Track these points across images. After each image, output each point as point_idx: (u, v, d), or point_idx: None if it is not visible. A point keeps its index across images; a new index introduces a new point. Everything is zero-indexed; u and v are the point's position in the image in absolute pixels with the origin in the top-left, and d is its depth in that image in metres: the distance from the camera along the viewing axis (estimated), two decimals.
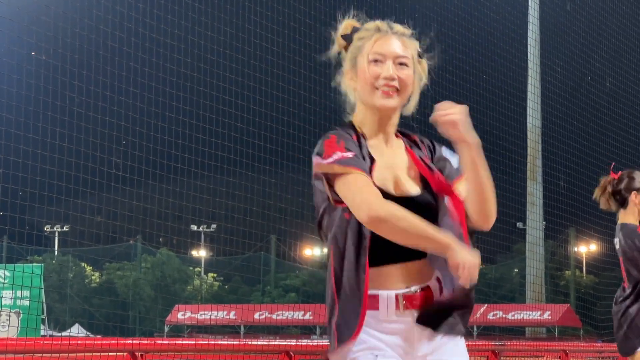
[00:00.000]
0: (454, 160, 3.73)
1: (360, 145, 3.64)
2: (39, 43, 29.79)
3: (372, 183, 3.53)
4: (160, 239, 62.99)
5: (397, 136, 3.78)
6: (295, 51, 35.16)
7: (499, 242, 51.41)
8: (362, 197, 3.48)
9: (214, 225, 63.07)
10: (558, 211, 48.77)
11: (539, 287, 50.64)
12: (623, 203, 7.38)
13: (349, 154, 3.54)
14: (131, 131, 30.60)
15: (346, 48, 3.77)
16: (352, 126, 3.74)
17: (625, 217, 7.37)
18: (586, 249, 61.23)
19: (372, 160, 3.63)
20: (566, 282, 61.01)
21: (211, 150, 30.30)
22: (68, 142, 25.95)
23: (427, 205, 3.64)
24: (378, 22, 3.74)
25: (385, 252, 3.57)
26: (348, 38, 3.75)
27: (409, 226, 3.45)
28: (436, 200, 3.67)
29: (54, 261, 64.46)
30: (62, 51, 28.55)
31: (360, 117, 3.74)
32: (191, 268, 66.61)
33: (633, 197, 7.34)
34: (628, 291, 7.30)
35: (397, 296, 3.58)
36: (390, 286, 3.59)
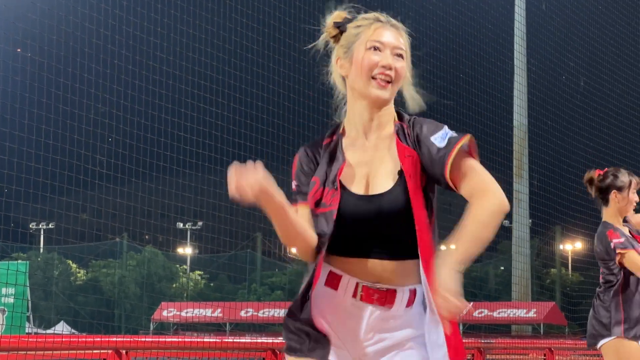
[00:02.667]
0: (440, 143, 3.61)
1: (331, 149, 3.69)
2: (25, 40, 29.72)
3: (306, 210, 3.67)
4: (146, 237, 62.94)
5: (396, 122, 3.72)
6: (276, 50, 35.23)
7: (483, 243, 51.57)
8: None
9: (200, 223, 63.04)
10: (544, 209, 48.92)
11: (524, 285, 50.77)
12: (605, 201, 7.43)
13: (293, 186, 3.74)
14: (115, 129, 30.60)
15: (336, 38, 3.74)
16: (334, 128, 3.76)
17: (607, 215, 7.42)
18: (572, 247, 61.41)
19: (343, 159, 3.65)
20: (552, 280, 61.18)
21: (196, 148, 30.30)
22: (53, 140, 25.90)
23: (394, 203, 3.57)
24: (377, 14, 3.73)
25: (347, 246, 3.59)
26: (341, 26, 3.72)
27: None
28: (407, 195, 3.58)
29: (39, 259, 64.31)
30: (47, 48, 28.52)
31: (349, 110, 3.73)
32: (177, 266, 66.56)
33: (613, 196, 7.38)
34: (601, 285, 7.42)
35: (357, 284, 3.57)
36: (356, 275, 3.59)
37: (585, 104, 52.15)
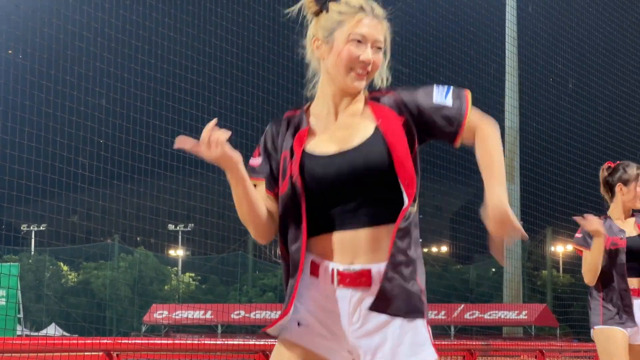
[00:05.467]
0: (446, 101, 3.67)
1: (295, 122, 3.72)
2: (8, 42, 29.70)
3: (261, 188, 3.72)
4: (138, 239, 62.84)
5: (366, 103, 3.74)
6: (255, 52, 35.29)
7: (476, 242, 51.54)
8: None
9: (191, 225, 62.99)
10: (535, 211, 48.98)
11: (516, 286, 50.83)
12: (612, 193, 7.43)
13: (254, 162, 3.76)
14: (104, 134, 30.56)
15: (315, 13, 3.74)
16: (298, 106, 3.81)
17: (612, 208, 7.43)
18: (563, 248, 61.48)
19: (306, 125, 3.70)
20: (543, 281, 61.23)
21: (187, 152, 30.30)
22: (44, 144, 25.89)
23: (364, 159, 3.56)
24: (361, 0, 3.71)
25: (321, 218, 3.60)
26: (321, 3, 3.72)
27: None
28: (386, 147, 3.57)
29: (30, 261, 64.16)
30: (30, 50, 28.50)
31: (321, 88, 3.75)
32: (168, 268, 66.48)
33: (618, 189, 7.37)
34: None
35: (333, 270, 3.59)
36: (332, 258, 3.60)
37: (575, 105, 52.25)
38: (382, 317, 3.56)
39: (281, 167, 3.67)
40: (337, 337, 3.63)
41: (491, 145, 3.66)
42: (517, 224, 3.48)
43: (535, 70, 53.82)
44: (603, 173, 7.49)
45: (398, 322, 3.55)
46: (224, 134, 3.50)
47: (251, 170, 3.73)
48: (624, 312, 7.31)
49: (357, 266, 3.57)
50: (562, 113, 52.18)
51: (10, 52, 32.07)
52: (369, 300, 3.56)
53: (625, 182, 7.37)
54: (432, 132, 3.67)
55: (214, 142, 3.50)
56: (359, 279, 3.57)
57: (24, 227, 65.57)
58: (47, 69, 27.52)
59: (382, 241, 3.57)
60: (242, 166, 3.56)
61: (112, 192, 35.02)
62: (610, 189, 7.45)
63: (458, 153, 46.54)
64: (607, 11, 53.65)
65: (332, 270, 3.58)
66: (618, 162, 7.53)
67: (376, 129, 3.61)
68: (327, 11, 3.70)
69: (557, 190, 47.52)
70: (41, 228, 65.30)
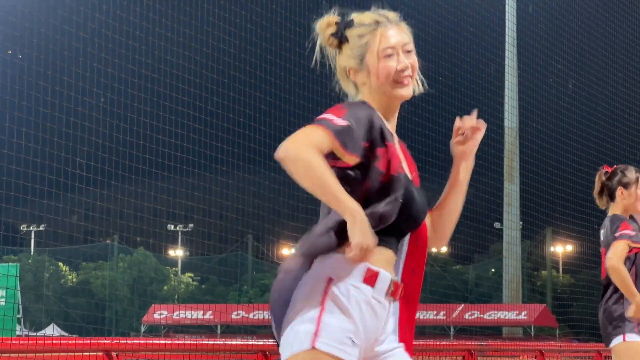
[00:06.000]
0: None
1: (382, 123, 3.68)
2: (6, 43, 29.69)
3: (328, 145, 3.48)
4: (137, 239, 62.84)
5: None
6: (252, 53, 35.30)
7: (476, 242, 51.54)
8: (301, 138, 3.47)
9: (191, 225, 63.00)
10: (535, 212, 48.99)
11: (515, 287, 50.83)
12: (612, 197, 7.39)
13: (339, 122, 3.52)
14: (102, 135, 30.56)
15: (338, 46, 3.75)
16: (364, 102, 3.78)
17: (613, 211, 7.38)
18: (562, 249, 61.48)
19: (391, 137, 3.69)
20: (543, 282, 61.26)
21: (186, 154, 30.30)
22: (42, 144, 25.87)
23: (425, 198, 3.73)
24: (372, 15, 3.74)
25: (395, 230, 3.64)
26: (339, 36, 3.73)
27: (317, 178, 3.41)
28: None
29: (29, 261, 64.17)
30: (27, 51, 28.49)
31: (371, 102, 3.75)
32: (168, 268, 66.48)
33: (619, 192, 7.34)
34: (604, 283, 7.32)
35: (391, 281, 3.63)
36: (387, 269, 3.64)
37: (575, 106, 52.26)
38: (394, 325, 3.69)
39: (384, 160, 3.61)
40: (365, 346, 3.61)
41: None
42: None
43: (535, 71, 53.83)
44: (601, 178, 7.46)
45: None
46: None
47: (337, 129, 3.52)
48: None
49: (397, 279, 3.67)
50: (562, 113, 52.19)
51: (9, 52, 32.06)
52: (396, 308, 3.67)
53: (626, 186, 7.35)
54: None
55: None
56: (400, 291, 3.66)
57: (23, 228, 65.58)
58: (45, 69, 27.53)
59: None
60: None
61: (112, 193, 35.06)
62: (610, 193, 7.42)
63: None
64: (607, 12, 53.67)
65: (391, 280, 3.61)
66: (615, 166, 7.52)
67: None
68: (348, 41, 3.72)
69: (556, 191, 47.52)
70: (40, 228, 65.30)
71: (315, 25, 3.77)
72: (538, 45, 52.57)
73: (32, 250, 66.12)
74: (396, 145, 3.69)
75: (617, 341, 7.23)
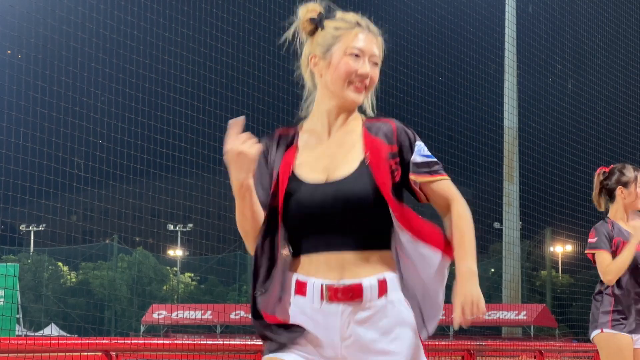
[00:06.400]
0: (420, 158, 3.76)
1: (288, 141, 3.74)
2: (3, 43, 29.66)
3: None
4: (137, 239, 62.86)
5: (364, 120, 3.80)
6: (250, 53, 35.29)
7: (475, 242, 51.54)
8: None
9: (190, 225, 62.98)
10: (534, 212, 48.97)
11: (515, 287, 50.82)
12: (611, 197, 7.38)
13: None
14: (100, 134, 30.54)
15: (311, 32, 3.78)
16: (293, 124, 3.82)
17: (612, 211, 7.37)
18: (562, 249, 61.48)
19: (296, 148, 3.71)
20: (542, 282, 61.26)
21: (184, 154, 30.29)
22: (40, 144, 25.84)
23: (354, 187, 3.61)
24: (356, 16, 3.77)
25: (308, 240, 3.63)
26: (317, 22, 3.76)
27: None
28: (372, 180, 3.62)
29: (29, 261, 64.16)
30: (25, 51, 28.46)
31: (316, 105, 3.78)
32: (167, 268, 66.47)
33: (619, 191, 7.33)
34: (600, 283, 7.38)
35: (322, 285, 3.60)
36: (319, 275, 3.61)
37: (574, 106, 52.24)
38: (380, 326, 3.61)
39: (273, 184, 3.68)
40: (327, 352, 3.63)
41: (466, 225, 3.71)
42: (483, 307, 3.59)
43: (535, 71, 53.84)
44: (599, 178, 7.45)
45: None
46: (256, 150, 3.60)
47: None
48: (638, 317, 7.26)
49: (348, 281, 3.59)
50: (561, 113, 52.17)
51: (9, 52, 32.05)
52: (362, 314, 3.59)
53: (625, 185, 7.34)
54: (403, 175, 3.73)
55: (246, 148, 3.58)
56: (352, 293, 3.59)
57: (23, 228, 65.59)
58: (42, 69, 27.49)
59: (372, 260, 3.63)
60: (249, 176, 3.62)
61: (111, 193, 35.03)
62: (609, 193, 7.42)
63: (457, 153, 46.51)
64: (607, 12, 53.66)
65: (322, 286, 3.59)
66: (612, 165, 7.51)
67: (362, 162, 3.65)
68: (323, 28, 3.75)
69: (556, 191, 47.51)
70: (40, 228, 65.31)
71: (298, 9, 3.81)
72: (538, 45, 52.56)
73: (32, 250, 66.12)
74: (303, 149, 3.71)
75: (595, 333, 7.36)
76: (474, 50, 50.12)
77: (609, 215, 7.40)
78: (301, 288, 3.63)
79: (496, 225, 52.66)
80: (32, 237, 66.59)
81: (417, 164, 3.70)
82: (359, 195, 3.60)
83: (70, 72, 29.01)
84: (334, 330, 3.60)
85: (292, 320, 3.62)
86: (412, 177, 3.70)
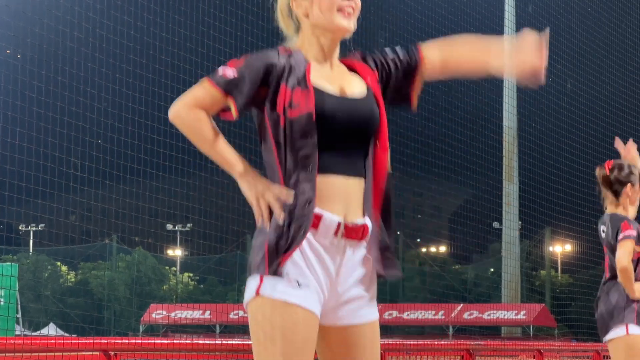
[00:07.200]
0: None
1: (289, 57, 3.70)
2: (0, 42, 29.59)
3: (215, 98, 3.64)
4: (136, 239, 62.84)
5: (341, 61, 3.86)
6: (248, 53, 35.29)
7: (475, 242, 51.57)
8: (185, 94, 3.67)
9: (189, 225, 62.97)
10: (534, 211, 48.98)
11: (514, 286, 50.82)
12: (617, 193, 7.31)
13: (229, 73, 3.65)
14: (100, 135, 30.53)
15: None
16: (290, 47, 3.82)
17: (616, 208, 7.30)
18: (561, 248, 61.47)
19: (307, 60, 3.71)
20: (541, 282, 61.25)
21: (182, 154, 30.28)
22: (36, 144, 25.85)
23: (371, 109, 3.70)
24: None
25: (326, 156, 3.64)
26: None
27: (195, 133, 3.63)
28: (379, 109, 3.73)
29: (28, 261, 64.15)
30: (22, 50, 28.45)
31: (304, 45, 3.80)
32: (167, 268, 66.47)
33: (628, 189, 7.28)
34: (607, 278, 7.25)
35: (339, 224, 3.63)
36: (334, 211, 3.65)
37: (573, 106, 52.25)
38: (364, 271, 3.70)
39: (284, 96, 3.63)
40: (325, 290, 3.65)
41: (466, 35, 3.86)
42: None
43: None
44: (614, 172, 7.37)
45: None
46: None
47: (224, 82, 3.66)
48: None
49: (358, 220, 3.66)
50: (561, 113, 52.19)
51: (8, 52, 32.03)
52: (358, 253, 3.67)
53: (634, 183, 7.31)
54: (396, 77, 3.83)
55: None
56: (361, 233, 3.66)
57: (22, 228, 65.57)
58: (39, 69, 27.48)
59: (362, 195, 3.70)
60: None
61: (110, 193, 35.06)
62: (616, 188, 7.34)
63: (457, 153, 46.51)
64: (606, 12, 53.68)
65: (339, 224, 3.62)
66: (619, 161, 7.46)
67: (368, 88, 3.75)
68: None
69: (555, 191, 47.52)
70: (39, 228, 65.30)
71: None
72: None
73: (31, 250, 66.11)
74: (316, 80, 3.68)
75: (618, 333, 7.13)
76: None
77: (610, 211, 7.32)
78: (316, 221, 3.63)
79: (495, 225, 52.65)
80: (31, 237, 66.60)
81: (393, 50, 3.86)
82: (376, 115, 3.70)
83: (67, 72, 29.02)
84: (338, 270, 3.65)
85: (298, 260, 3.60)
86: (401, 54, 3.83)
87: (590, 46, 53.30)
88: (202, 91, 3.64)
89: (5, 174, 24.24)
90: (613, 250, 7.14)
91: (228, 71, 3.64)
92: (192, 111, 3.62)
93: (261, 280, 3.60)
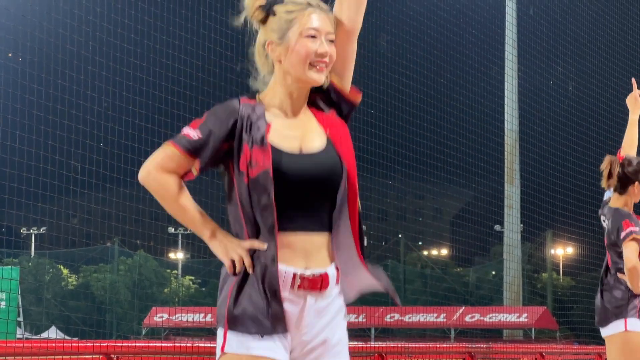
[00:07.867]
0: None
1: (253, 110, 3.70)
2: None
3: (181, 161, 3.70)
4: (137, 242, 62.84)
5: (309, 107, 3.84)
6: (247, 52, 35.28)
7: (476, 245, 51.52)
8: (151, 159, 3.74)
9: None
10: (535, 214, 48.97)
11: (516, 289, 50.79)
12: (623, 188, 7.27)
13: (193, 135, 3.69)
14: (96, 137, 30.54)
15: (263, 20, 3.78)
16: (251, 94, 3.82)
17: (619, 202, 7.26)
18: (563, 251, 61.45)
19: (267, 122, 3.69)
20: (543, 284, 61.22)
21: None
22: (36, 147, 25.85)
23: (331, 162, 3.67)
24: None
25: (285, 215, 3.64)
26: (267, 9, 3.77)
27: (164, 199, 3.73)
28: (340, 159, 3.70)
29: (30, 264, 64.17)
30: (21, 53, 28.43)
31: (274, 88, 3.79)
32: (168, 271, 66.47)
33: (636, 185, 7.24)
34: (612, 272, 7.21)
35: (295, 274, 3.64)
36: (291, 263, 3.65)
37: (575, 108, 52.24)
38: (328, 317, 3.69)
39: (246, 156, 3.64)
40: (294, 340, 3.68)
41: None
42: None
43: (536, 73, 53.84)
44: (628, 166, 7.33)
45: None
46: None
47: (188, 143, 3.70)
48: None
49: (316, 270, 3.65)
50: (562, 116, 52.17)
51: (10, 55, 32.05)
52: (321, 302, 3.67)
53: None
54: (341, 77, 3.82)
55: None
56: (321, 283, 3.66)
57: (23, 231, 65.57)
58: (39, 72, 27.49)
59: (327, 247, 3.69)
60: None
61: (112, 196, 34.97)
62: (624, 184, 7.30)
63: (459, 156, 46.49)
64: (608, 14, 53.67)
65: (294, 274, 3.63)
66: (630, 157, 7.43)
67: (328, 140, 3.71)
68: (275, 14, 3.75)
69: (557, 193, 47.50)
70: (41, 231, 65.30)
71: None
72: (539, 47, 52.55)
73: (33, 253, 66.12)
74: (278, 127, 3.68)
75: (616, 329, 7.12)
76: (475, 52, 50.14)
77: (613, 205, 7.29)
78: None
79: (497, 227, 52.63)
80: (32, 240, 66.59)
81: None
82: (336, 168, 3.67)
83: (67, 75, 29.02)
84: (299, 319, 3.66)
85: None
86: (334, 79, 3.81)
87: (592, 49, 53.29)
88: (166, 155, 3.71)
89: (6, 178, 24.25)
90: (612, 245, 7.14)
91: (191, 132, 3.69)
92: (159, 175, 3.71)
93: (225, 337, 3.67)
